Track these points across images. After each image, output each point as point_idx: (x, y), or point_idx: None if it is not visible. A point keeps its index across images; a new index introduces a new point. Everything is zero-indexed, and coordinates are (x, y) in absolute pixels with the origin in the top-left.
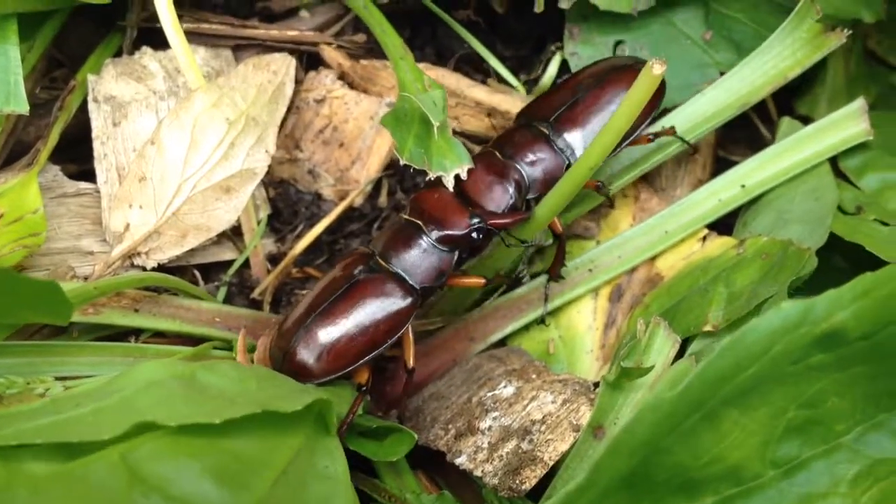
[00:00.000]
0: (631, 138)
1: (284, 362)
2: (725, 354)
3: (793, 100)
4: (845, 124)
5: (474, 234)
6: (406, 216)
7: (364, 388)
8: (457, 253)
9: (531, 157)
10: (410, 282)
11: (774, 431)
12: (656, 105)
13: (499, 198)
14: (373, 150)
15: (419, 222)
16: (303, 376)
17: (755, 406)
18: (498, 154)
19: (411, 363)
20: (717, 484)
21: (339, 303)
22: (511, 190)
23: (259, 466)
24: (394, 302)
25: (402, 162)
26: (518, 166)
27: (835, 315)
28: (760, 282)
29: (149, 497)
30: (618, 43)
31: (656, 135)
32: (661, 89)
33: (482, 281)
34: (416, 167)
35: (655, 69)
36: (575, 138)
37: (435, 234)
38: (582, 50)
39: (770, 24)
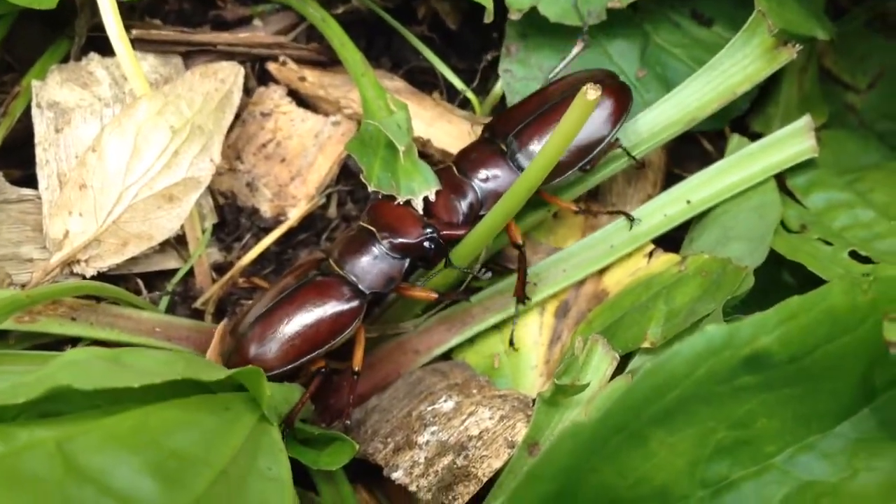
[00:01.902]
0: (597, 150)
1: (233, 356)
2: (648, 377)
3: (747, 117)
4: (791, 141)
5: (426, 244)
6: (362, 223)
7: (323, 371)
8: (407, 261)
9: (485, 173)
10: (360, 286)
11: (703, 451)
12: (620, 116)
13: (452, 211)
14: (313, 168)
15: (373, 229)
16: None
17: (682, 426)
18: (455, 169)
19: (357, 366)
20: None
21: (288, 301)
22: (464, 205)
23: (198, 464)
24: (340, 303)
25: (370, 188)
26: (472, 182)
27: (759, 339)
28: (699, 300)
29: (83, 488)
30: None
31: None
32: (626, 99)
33: (434, 295)
34: (385, 192)
35: (590, 94)
36: (532, 154)
37: (387, 241)
38: (516, 69)
39: (705, 63)
